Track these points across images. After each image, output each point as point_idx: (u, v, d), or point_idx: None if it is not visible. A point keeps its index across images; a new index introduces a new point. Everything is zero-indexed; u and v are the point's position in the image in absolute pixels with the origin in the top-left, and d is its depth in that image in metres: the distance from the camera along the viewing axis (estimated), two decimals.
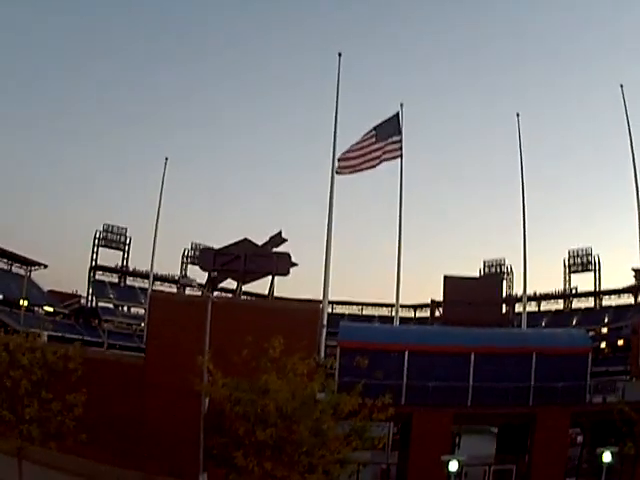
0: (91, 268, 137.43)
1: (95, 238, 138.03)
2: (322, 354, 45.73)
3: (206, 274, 50.66)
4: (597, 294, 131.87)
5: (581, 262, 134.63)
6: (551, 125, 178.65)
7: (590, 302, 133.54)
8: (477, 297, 60.32)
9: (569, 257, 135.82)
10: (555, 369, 40.16)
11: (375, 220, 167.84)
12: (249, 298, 62.50)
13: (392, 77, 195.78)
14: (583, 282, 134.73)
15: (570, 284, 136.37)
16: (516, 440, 42.81)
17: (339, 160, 54.85)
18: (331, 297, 51.11)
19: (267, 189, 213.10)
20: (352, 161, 55.32)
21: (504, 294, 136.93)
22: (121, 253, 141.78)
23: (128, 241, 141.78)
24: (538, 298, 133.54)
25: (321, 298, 50.71)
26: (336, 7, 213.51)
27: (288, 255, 49.60)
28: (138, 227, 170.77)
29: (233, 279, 51.19)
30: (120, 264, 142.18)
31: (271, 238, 50.73)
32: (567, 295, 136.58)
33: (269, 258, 49.41)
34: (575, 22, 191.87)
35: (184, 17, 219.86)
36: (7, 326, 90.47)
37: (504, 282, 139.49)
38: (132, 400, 38.62)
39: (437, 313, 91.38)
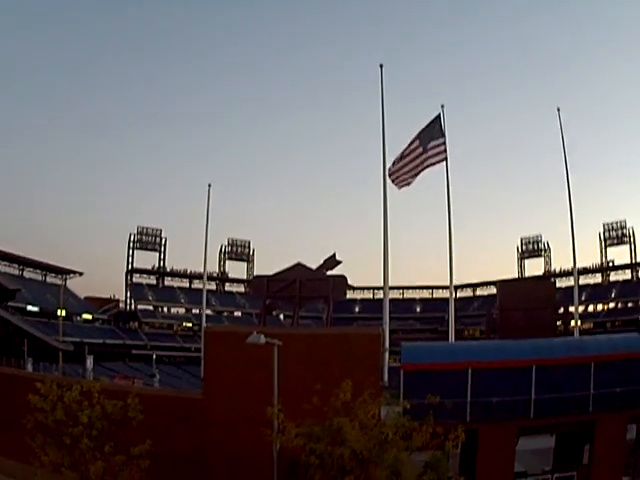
0: (128, 271, 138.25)
1: (130, 241, 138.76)
2: (386, 377, 45.86)
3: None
4: (634, 266, 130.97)
5: (616, 235, 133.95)
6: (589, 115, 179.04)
7: (627, 274, 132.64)
8: (532, 302, 59.79)
9: (604, 231, 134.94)
10: (613, 375, 40.06)
11: (425, 223, 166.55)
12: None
13: (433, 82, 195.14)
14: (619, 255, 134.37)
15: (607, 257, 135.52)
16: (574, 447, 43.00)
17: (390, 174, 54.14)
18: None
19: (317, 210, 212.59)
20: (401, 172, 54.39)
21: (543, 270, 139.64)
22: (157, 254, 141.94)
23: (163, 242, 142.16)
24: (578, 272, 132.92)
25: None
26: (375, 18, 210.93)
27: (344, 277, 48.97)
28: (172, 227, 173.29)
29: (289, 305, 50.81)
30: (157, 265, 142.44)
31: (325, 261, 49.98)
32: (605, 268, 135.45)
33: (324, 282, 48.78)
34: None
35: (228, 42, 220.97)
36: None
37: (542, 259, 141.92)
38: (193, 436, 38.73)
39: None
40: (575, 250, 62.53)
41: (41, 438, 32.13)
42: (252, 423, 34.40)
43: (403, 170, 54.02)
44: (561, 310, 79.93)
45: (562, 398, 38.58)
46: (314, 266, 50.02)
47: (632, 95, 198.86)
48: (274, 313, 60.56)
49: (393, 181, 53.59)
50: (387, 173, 53.35)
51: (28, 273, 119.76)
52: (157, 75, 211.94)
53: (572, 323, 79.09)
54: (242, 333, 47.44)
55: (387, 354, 44.60)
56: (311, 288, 48.92)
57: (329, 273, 49.59)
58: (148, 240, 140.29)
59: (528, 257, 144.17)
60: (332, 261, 50.01)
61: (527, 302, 59.16)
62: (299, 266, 49.51)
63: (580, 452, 41.66)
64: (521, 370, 39.78)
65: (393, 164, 54.19)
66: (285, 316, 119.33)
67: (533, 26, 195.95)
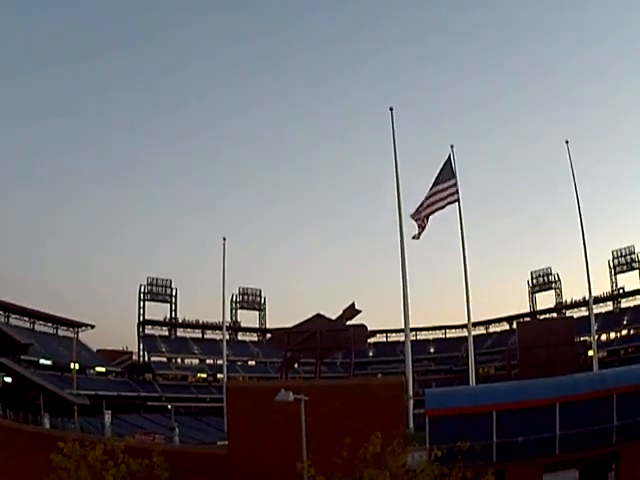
0: (139, 323, 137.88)
1: (140, 292, 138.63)
2: (411, 424, 45.91)
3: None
4: None
5: (625, 261, 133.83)
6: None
7: (638, 300, 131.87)
8: (551, 339, 59.92)
9: (613, 258, 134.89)
10: (635, 404, 40.34)
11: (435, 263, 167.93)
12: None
13: (442, 122, 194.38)
14: (629, 281, 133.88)
15: (617, 284, 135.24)
16: (598, 478, 43.18)
17: (415, 220, 55.02)
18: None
19: (327, 255, 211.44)
20: (421, 219, 54.95)
21: (555, 302, 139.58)
22: (168, 305, 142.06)
23: (174, 292, 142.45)
24: (586, 303, 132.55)
25: None
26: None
27: (364, 327, 48.89)
28: (182, 277, 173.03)
29: (310, 357, 50.75)
30: (168, 316, 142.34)
31: (344, 311, 49.74)
32: (615, 296, 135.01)
33: (345, 332, 48.81)
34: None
35: (236, 87, 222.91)
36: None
37: (553, 291, 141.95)
38: None
39: None
40: (590, 283, 62.92)
41: None
42: (280, 478, 34.81)
43: (422, 218, 54.92)
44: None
45: (586, 432, 38.91)
46: (333, 316, 49.90)
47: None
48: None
49: (419, 226, 54.65)
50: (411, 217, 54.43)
51: (39, 326, 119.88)
52: (165, 125, 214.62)
53: (588, 353, 79.23)
54: (265, 388, 48.16)
55: (411, 401, 44.83)
56: (332, 339, 48.64)
57: (349, 323, 49.51)
58: (158, 291, 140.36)
59: (539, 291, 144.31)
60: (351, 310, 49.73)
61: (547, 339, 59.32)
62: (318, 317, 49.31)
63: None
64: (545, 408, 40.14)
65: (415, 212, 55.27)
66: (300, 363, 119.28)
67: (537, 59, 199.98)
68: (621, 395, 40.47)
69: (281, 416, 34.77)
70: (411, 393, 45.40)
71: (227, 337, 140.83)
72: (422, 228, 55.29)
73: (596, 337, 71.60)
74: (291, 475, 31.08)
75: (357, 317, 50.02)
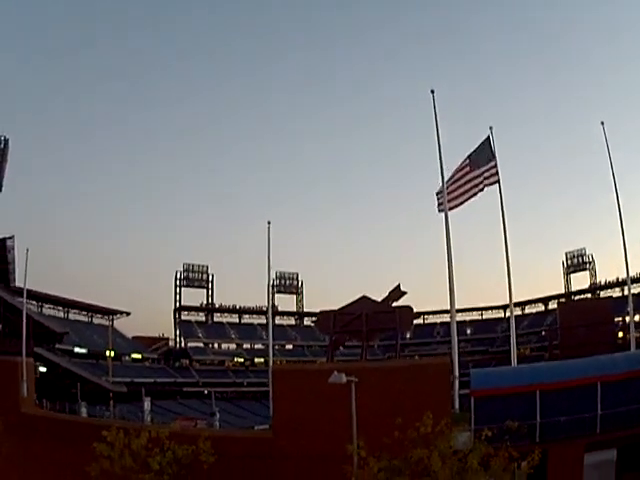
0: (176, 309, 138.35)
1: (176, 279, 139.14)
2: (457, 405, 46.26)
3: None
4: None
5: None
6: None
7: None
8: (590, 319, 59.84)
9: None
10: None
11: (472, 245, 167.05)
12: None
13: (481, 105, 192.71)
14: None
15: None
16: (637, 457, 43.43)
17: (438, 196, 54.42)
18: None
19: (365, 238, 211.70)
20: (451, 195, 54.51)
21: (589, 283, 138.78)
22: (204, 291, 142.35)
23: (210, 278, 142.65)
24: (622, 283, 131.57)
25: None
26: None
27: (410, 308, 48.81)
28: (218, 262, 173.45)
29: (356, 339, 50.94)
30: (205, 302, 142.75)
31: (390, 293, 49.83)
32: None
33: (391, 314, 48.90)
34: None
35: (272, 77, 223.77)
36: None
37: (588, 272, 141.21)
38: (265, 476, 38.51)
39: None
40: (628, 261, 62.33)
41: None
42: (326, 460, 34.91)
43: (453, 194, 54.10)
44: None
45: (626, 411, 39.14)
46: (378, 298, 50.19)
47: None
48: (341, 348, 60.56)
49: (440, 204, 53.89)
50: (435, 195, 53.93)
51: (74, 315, 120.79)
52: (202, 116, 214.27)
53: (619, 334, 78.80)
54: (311, 371, 48.61)
55: (457, 382, 44.95)
56: (378, 321, 48.57)
57: (394, 304, 49.65)
58: (195, 277, 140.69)
59: (574, 271, 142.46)
60: (397, 292, 49.80)
61: (586, 320, 59.44)
62: (364, 299, 49.24)
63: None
64: (586, 387, 40.40)
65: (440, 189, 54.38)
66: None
67: (576, 42, 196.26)
68: None
69: (327, 399, 35.13)
70: (457, 373, 45.50)
71: (263, 321, 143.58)
72: (453, 205, 54.41)
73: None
74: (337, 458, 31.05)
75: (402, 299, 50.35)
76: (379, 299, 50.52)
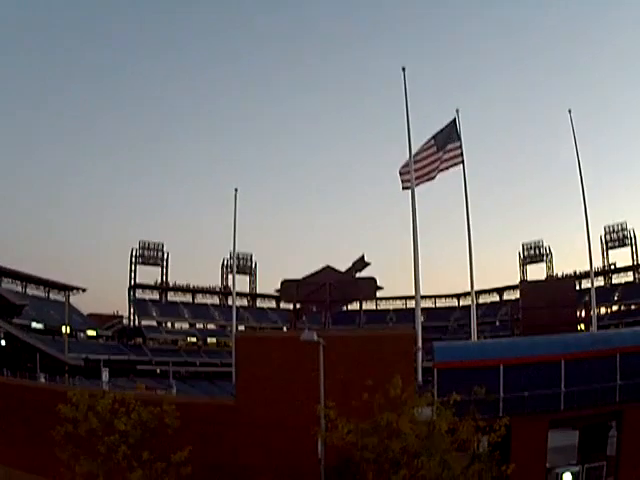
0: (130, 287, 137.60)
1: (132, 256, 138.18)
2: (420, 377, 45.81)
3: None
4: (636, 268, 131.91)
5: (617, 237, 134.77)
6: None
7: (630, 277, 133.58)
8: (553, 300, 60.00)
9: (605, 233, 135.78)
10: (639, 365, 40.72)
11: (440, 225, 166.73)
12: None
13: (450, 87, 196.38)
14: (620, 257, 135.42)
15: (608, 260, 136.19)
16: (598, 439, 43.50)
17: (400, 174, 53.89)
18: None
19: (341, 212, 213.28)
20: (417, 173, 54.02)
21: (545, 275, 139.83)
22: (159, 269, 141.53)
23: (166, 256, 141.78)
24: (579, 277, 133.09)
25: None
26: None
27: (374, 280, 48.36)
28: (174, 241, 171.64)
29: (319, 309, 50.39)
30: (159, 280, 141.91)
31: (354, 263, 49.30)
32: (606, 271, 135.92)
33: (354, 284, 48.43)
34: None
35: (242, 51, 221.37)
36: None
37: (544, 263, 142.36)
38: (229, 441, 38.27)
39: None
40: (591, 253, 62.43)
41: (72, 449, 31.98)
42: (291, 425, 34.89)
43: (417, 173, 53.71)
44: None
45: (590, 390, 39.21)
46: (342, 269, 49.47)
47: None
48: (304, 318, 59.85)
49: (403, 180, 53.44)
50: (398, 172, 53.50)
51: (31, 290, 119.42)
52: (160, 92, 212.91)
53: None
54: (274, 338, 47.95)
55: (420, 353, 44.55)
56: (341, 291, 48.18)
57: (358, 275, 49.06)
58: (150, 255, 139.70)
59: (530, 262, 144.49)
60: (361, 263, 49.09)
61: (549, 300, 59.59)
62: (328, 269, 48.55)
63: (604, 444, 42.40)
64: (551, 364, 40.36)
65: (404, 166, 53.87)
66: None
67: (543, 29, 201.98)
68: (625, 355, 40.84)
69: (291, 366, 35.38)
70: (420, 345, 45.13)
71: (217, 302, 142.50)
72: (415, 184, 53.86)
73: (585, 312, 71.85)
74: (301, 422, 31.37)
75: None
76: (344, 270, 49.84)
